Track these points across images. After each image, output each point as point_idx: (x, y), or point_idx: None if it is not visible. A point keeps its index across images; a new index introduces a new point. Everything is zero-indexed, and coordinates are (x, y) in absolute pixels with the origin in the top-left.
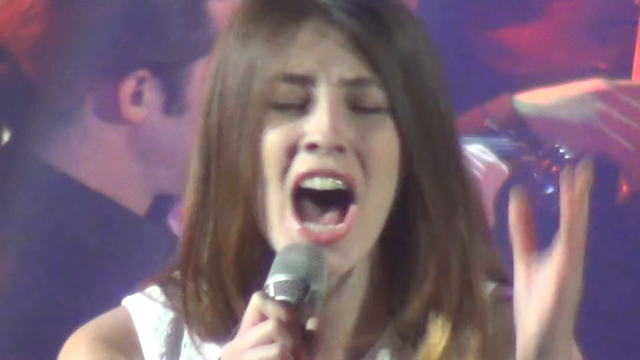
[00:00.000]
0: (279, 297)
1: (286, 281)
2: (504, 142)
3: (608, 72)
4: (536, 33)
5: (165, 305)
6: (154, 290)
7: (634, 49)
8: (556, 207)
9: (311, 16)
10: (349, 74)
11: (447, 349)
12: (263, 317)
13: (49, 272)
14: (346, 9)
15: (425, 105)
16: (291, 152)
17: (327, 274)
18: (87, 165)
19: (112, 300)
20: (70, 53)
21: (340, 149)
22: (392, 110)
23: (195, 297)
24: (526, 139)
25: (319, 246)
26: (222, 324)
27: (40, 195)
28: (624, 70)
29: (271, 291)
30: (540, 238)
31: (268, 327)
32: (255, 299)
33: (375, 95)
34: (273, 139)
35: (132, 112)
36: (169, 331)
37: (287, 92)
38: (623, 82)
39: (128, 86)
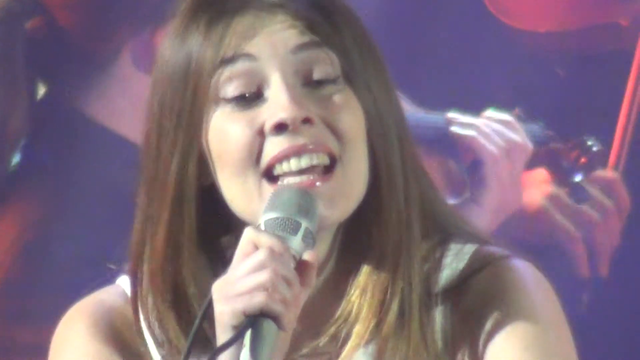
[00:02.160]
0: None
1: (277, 218)
2: (533, 128)
3: (629, 29)
4: None
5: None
6: None
7: None
8: (584, 195)
9: (249, 7)
10: (297, 40)
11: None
12: (255, 250)
13: (91, 223)
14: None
15: (374, 77)
16: (257, 140)
17: (318, 219)
18: (124, 116)
19: (122, 270)
20: (106, 4)
21: (308, 120)
22: (347, 77)
23: (142, 302)
24: (555, 129)
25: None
26: (164, 330)
27: (78, 147)
28: None
29: (262, 228)
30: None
31: (260, 255)
32: (248, 232)
33: (328, 60)
34: (235, 132)
35: None
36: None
37: (233, 83)
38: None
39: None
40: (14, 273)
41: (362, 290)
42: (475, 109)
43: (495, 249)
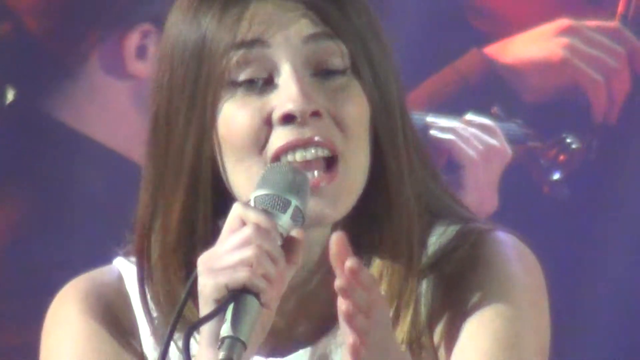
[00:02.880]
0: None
1: (267, 194)
2: (511, 127)
3: None
4: None
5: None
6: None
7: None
8: (562, 194)
9: None
10: (309, 30)
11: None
12: (243, 226)
13: (55, 224)
14: None
15: (383, 71)
16: (264, 129)
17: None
18: (93, 120)
19: (118, 252)
20: (74, 9)
21: (316, 114)
22: (356, 70)
23: (148, 276)
24: (533, 128)
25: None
26: (170, 304)
27: (47, 150)
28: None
29: (252, 204)
30: (546, 223)
31: (246, 231)
32: (236, 208)
33: (339, 52)
34: (243, 118)
35: (137, 66)
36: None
37: (245, 67)
38: (588, 22)
39: (132, 40)
40: None
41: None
42: (452, 109)
43: (478, 225)
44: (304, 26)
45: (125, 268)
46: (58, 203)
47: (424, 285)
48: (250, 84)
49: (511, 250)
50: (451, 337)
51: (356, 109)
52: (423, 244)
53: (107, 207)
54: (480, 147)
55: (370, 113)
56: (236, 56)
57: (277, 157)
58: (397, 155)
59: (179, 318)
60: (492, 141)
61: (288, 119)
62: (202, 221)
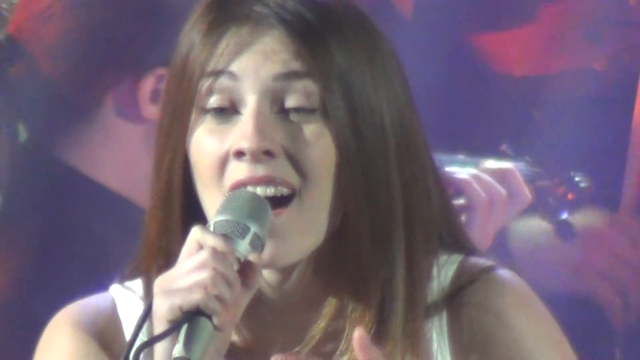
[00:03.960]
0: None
1: (226, 220)
2: (521, 166)
3: (604, 73)
4: (528, 37)
5: (144, 298)
6: (137, 283)
7: (628, 49)
8: (569, 232)
9: (250, 17)
10: (277, 68)
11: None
12: (200, 249)
13: (66, 271)
14: (281, 17)
15: (363, 109)
16: (224, 160)
17: (269, 225)
18: (105, 165)
19: (114, 280)
20: (89, 52)
21: (268, 154)
22: (325, 111)
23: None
24: (543, 166)
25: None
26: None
27: (56, 194)
28: (619, 70)
29: (211, 229)
30: (553, 262)
31: (203, 254)
32: (194, 231)
33: (308, 91)
34: (205, 146)
35: (152, 110)
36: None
37: (213, 95)
38: None
39: (147, 84)
40: None
41: (341, 308)
42: (461, 146)
43: (479, 260)
44: (276, 63)
45: (119, 294)
46: (66, 252)
47: (432, 323)
48: (217, 111)
49: (522, 295)
50: None
51: (317, 151)
52: (425, 275)
53: (116, 256)
54: (494, 192)
55: (339, 156)
56: (206, 83)
57: (233, 189)
58: (356, 201)
59: (136, 338)
60: (503, 191)
61: (240, 155)
62: (175, 240)
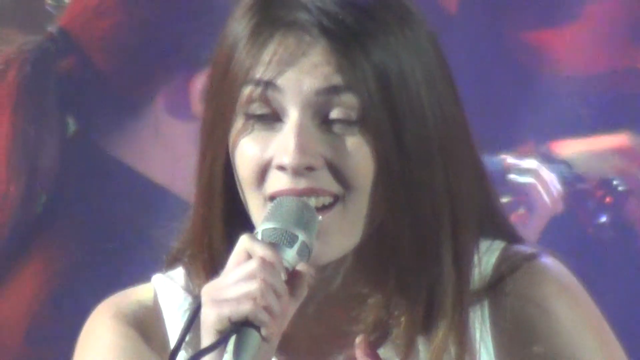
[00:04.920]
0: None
1: (274, 228)
2: (561, 169)
3: None
4: (574, 35)
5: (186, 288)
6: (178, 272)
7: None
8: (607, 236)
9: (292, 30)
10: (320, 83)
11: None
12: (249, 259)
13: (112, 264)
14: (324, 26)
15: (405, 118)
16: (265, 167)
17: (315, 230)
18: (154, 160)
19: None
20: (142, 48)
21: (310, 169)
22: (366, 123)
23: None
24: (581, 168)
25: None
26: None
27: (104, 188)
28: None
29: (259, 238)
30: (591, 265)
31: (252, 264)
32: (243, 240)
33: (349, 106)
34: (247, 153)
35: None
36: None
37: (258, 102)
38: None
39: (199, 82)
40: (40, 321)
41: (386, 302)
42: (501, 147)
43: (522, 247)
44: (317, 77)
45: (160, 284)
46: (110, 242)
47: (474, 310)
48: (260, 117)
49: (566, 284)
50: None
51: (358, 162)
52: (469, 262)
53: (162, 250)
54: (555, 193)
55: (379, 166)
56: (250, 91)
57: (272, 197)
58: (394, 210)
59: (180, 347)
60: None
61: (282, 169)
62: (217, 236)
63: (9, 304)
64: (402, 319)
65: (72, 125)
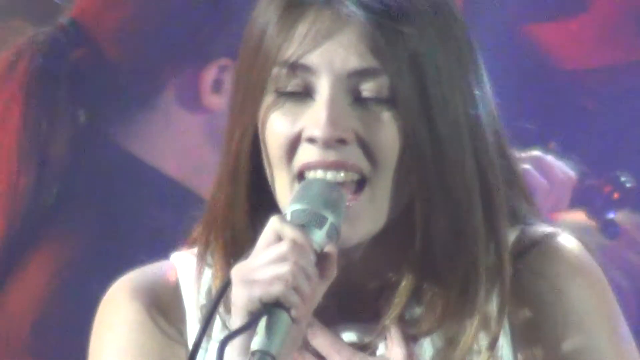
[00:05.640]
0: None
1: (303, 209)
2: (568, 164)
3: None
4: (581, 27)
5: (198, 264)
6: (196, 250)
7: None
8: (615, 232)
9: (327, 7)
10: (353, 64)
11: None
12: (279, 240)
13: (121, 254)
14: (361, 3)
15: (436, 99)
16: (295, 141)
17: (343, 212)
18: (164, 152)
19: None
20: (153, 40)
21: (341, 142)
22: (397, 101)
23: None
24: (589, 165)
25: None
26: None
27: (114, 179)
28: None
29: (288, 219)
30: (601, 260)
31: (283, 247)
32: (273, 222)
33: (380, 85)
34: (277, 127)
35: (212, 100)
36: (209, 285)
37: (288, 80)
38: None
39: (209, 75)
40: (50, 311)
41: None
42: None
43: (541, 227)
44: (350, 58)
45: (180, 260)
46: (123, 236)
47: (497, 287)
48: (290, 95)
49: (577, 269)
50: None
51: (388, 138)
52: (505, 245)
53: (171, 242)
54: (554, 176)
55: (407, 144)
56: (282, 69)
57: (301, 172)
58: (424, 187)
59: (207, 326)
60: (563, 170)
61: (312, 141)
62: (241, 214)
63: (19, 294)
64: (434, 304)
65: (82, 116)
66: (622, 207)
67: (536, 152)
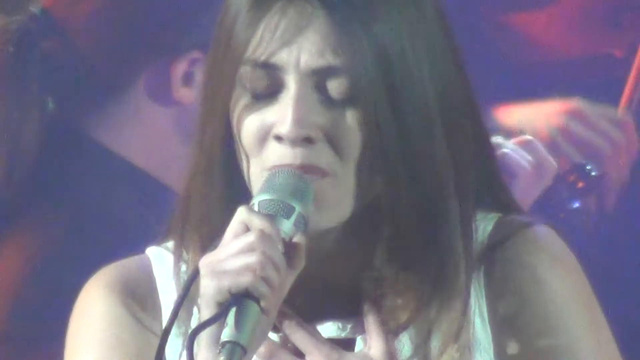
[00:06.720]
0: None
1: (271, 200)
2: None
3: (624, 60)
4: (551, 18)
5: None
6: (171, 244)
7: None
8: (580, 222)
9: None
10: (317, 62)
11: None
12: (246, 230)
13: (88, 246)
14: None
15: (404, 92)
16: (264, 137)
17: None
18: (132, 143)
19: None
20: (124, 31)
21: (307, 140)
22: (359, 99)
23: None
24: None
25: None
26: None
27: (83, 169)
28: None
29: (255, 209)
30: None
31: (250, 237)
32: (240, 212)
33: (342, 84)
34: (247, 124)
35: (183, 93)
36: (185, 278)
37: (257, 77)
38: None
39: (180, 67)
40: (24, 296)
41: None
42: None
43: (518, 217)
44: (315, 56)
45: (155, 254)
46: (85, 221)
47: (475, 279)
48: (260, 91)
49: (556, 253)
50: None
51: (350, 135)
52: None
53: (140, 233)
54: (532, 159)
55: (370, 136)
56: (249, 66)
57: (273, 167)
58: (392, 180)
59: (176, 317)
60: (532, 159)
61: (279, 139)
62: (215, 207)
63: None
64: (410, 294)
65: (52, 106)
66: (585, 196)
67: (528, 137)
